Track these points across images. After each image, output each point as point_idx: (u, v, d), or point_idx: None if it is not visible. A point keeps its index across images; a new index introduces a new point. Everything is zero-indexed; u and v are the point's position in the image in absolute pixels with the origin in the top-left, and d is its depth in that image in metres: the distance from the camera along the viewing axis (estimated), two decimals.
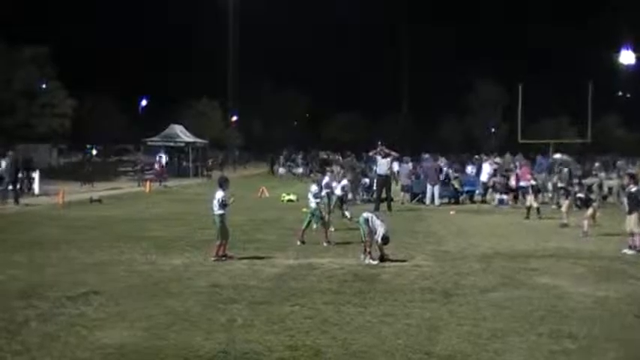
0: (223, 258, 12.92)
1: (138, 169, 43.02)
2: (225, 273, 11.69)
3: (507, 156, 33.45)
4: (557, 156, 28.08)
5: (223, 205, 13.13)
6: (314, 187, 16.01)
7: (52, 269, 11.94)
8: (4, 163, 25.91)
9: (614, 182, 28.12)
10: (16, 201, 24.68)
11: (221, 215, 13.13)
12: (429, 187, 26.45)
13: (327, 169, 19.25)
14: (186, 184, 39.25)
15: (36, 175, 30.39)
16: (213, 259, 12.83)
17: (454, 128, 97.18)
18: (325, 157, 34.97)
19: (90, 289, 10.18)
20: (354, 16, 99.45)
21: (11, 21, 45.39)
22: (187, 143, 49.56)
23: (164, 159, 44.52)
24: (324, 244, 15.05)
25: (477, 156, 38.99)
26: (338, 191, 19.92)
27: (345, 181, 20.77)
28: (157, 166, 41.96)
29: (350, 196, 27.04)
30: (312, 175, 46.15)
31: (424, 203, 26.27)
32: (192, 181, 41.78)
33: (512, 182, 26.01)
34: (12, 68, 48.85)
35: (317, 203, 15.76)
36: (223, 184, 13.56)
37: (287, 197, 27.33)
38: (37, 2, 79.13)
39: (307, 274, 11.66)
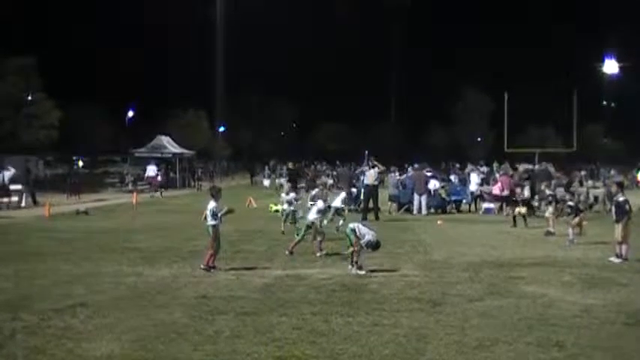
0: (212, 269, 12.83)
1: (131, 180, 43.05)
2: (212, 284, 11.67)
3: (505, 165, 33.57)
4: (524, 167, 28.10)
5: (214, 215, 13.02)
6: (320, 203, 15.86)
7: (39, 281, 11.87)
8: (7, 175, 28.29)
9: (599, 191, 28.33)
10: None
11: (213, 226, 13.05)
12: (416, 196, 26.52)
13: (318, 182, 19.36)
14: (174, 195, 39.14)
15: (19, 187, 30.19)
16: (202, 267, 12.82)
17: (441, 137, 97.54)
18: (292, 167, 34.43)
19: (77, 302, 10.13)
20: (343, 26, 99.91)
21: None
22: (175, 154, 49.46)
23: (155, 170, 44.45)
24: (318, 255, 15.02)
25: (458, 165, 39.09)
26: (338, 203, 19.84)
27: (343, 194, 20.78)
28: (148, 176, 42.27)
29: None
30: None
31: (411, 213, 26.33)
32: (180, 192, 41.66)
33: (497, 191, 26.15)
34: None
35: (318, 219, 15.61)
36: (215, 194, 13.48)
37: (275, 208, 27.28)
38: (23, 13, 78.92)
39: (295, 285, 11.65)
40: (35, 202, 29.40)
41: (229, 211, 13.47)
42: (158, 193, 38.68)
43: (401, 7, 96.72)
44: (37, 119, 51.72)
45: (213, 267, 12.95)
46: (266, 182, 40.43)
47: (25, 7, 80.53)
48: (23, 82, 50.87)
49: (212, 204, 13.17)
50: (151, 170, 43.59)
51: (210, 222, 13.04)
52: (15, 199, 28.84)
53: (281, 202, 17.40)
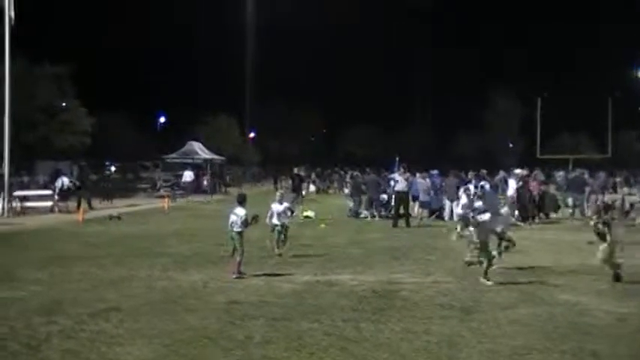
0: (243, 275, 12.86)
1: (170, 184, 43.60)
2: (243, 289, 11.69)
3: (537, 171, 33.30)
4: (518, 171, 27.65)
5: (245, 223, 13.12)
6: (283, 206, 16.10)
7: (73, 285, 11.99)
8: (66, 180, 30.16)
9: (636, 198, 27.94)
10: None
11: (240, 233, 13.12)
12: (447, 202, 26.32)
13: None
14: (205, 201, 39.34)
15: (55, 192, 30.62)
16: (234, 276, 12.74)
17: (471, 142, 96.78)
18: (297, 173, 32.49)
19: (110, 306, 10.21)
20: (372, 30, 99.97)
21: (32, 39, 45.82)
22: (205, 160, 49.73)
23: (191, 176, 45.03)
24: (278, 255, 15.60)
25: (485, 171, 38.37)
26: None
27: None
28: (185, 181, 43.71)
29: (365, 212, 27.09)
30: (329, 191, 45.93)
31: (443, 219, 26.13)
32: (211, 198, 41.85)
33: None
34: (33, 86, 49.44)
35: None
36: (243, 201, 13.48)
37: (304, 213, 27.32)
38: (58, 22, 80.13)
39: (326, 291, 11.63)
40: (91, 207, 30.16)
41: (255, 219, 13.60)
42: (188, 199, 39.07)
43: (423, 7, 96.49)
44: (70, 125, 52.43)
45: (244, 273, 12.98)
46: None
47: (57, 15, 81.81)
48: (57, 89, 51.64)
49: (242, 211, 13.22)
50: (188, 176, 44.23)
51: (238, 229, 13.10)
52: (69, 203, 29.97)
53: (269, 214, 15.91)
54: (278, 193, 16.98)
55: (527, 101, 66.14)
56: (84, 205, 29.22)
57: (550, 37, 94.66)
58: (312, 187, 40.14)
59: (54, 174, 33.91)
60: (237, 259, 13.01)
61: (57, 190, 30.26)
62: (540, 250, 17.58)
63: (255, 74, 73.24)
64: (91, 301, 10.60)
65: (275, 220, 15.86)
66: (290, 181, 31.68)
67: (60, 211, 28.36)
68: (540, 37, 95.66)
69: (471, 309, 10.31)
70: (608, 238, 12.95)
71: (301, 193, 28.48)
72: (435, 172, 29.10)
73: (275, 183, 56.69)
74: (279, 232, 15.94)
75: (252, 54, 71.99)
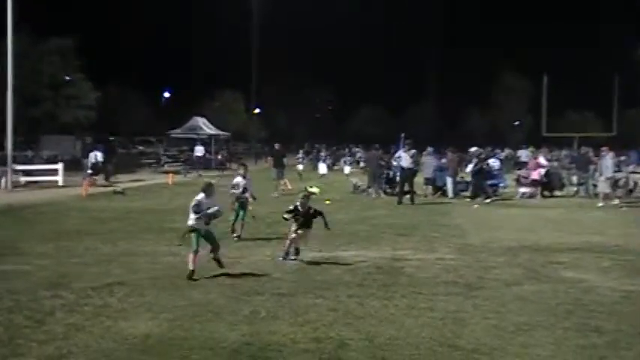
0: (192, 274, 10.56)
1: (183, 159, 43.79)
2: (248, 265, 11.71)
3: (544, 149, 33.25)
4: (474, 149, 27.53)
5: (196, 211, 10.79)
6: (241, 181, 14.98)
7: (77, 260, 12.02)
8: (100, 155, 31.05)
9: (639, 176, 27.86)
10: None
11: (191, 227, 10.89)
12: (449, 179, 26.30)
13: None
14: (209, 176, 39.30)
15: (60, 166, 30.68)
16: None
17: (479, 120, 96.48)
18: (278, 149, 31.73)
19: (114, 280, 10.24)
20: (378, 10, 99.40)
21: (36, 13, 45.68)
22: (210, 135, 49.69)
23: (202, 150, 45.20)
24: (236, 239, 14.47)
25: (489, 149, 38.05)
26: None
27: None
28: (196, 156, 44.24)
29: (369, 190, 27.02)
30: (334, 168, 45.75)
31: (447, 196, 26.10)
32: (215, 173, 41.84)
33: (537, 176, 26.08)
34: (38, 60, 49.33)
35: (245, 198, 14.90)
36: (207, 189, 11.26)
37: (310, 189, 27.23)
38: None
39: (331, 267, 11.62)
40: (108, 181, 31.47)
41: (216, 215, 11.12)
42: (199, 173, 39.32)
43: None
44: (76, 100, 52.36)
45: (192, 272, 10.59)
46: (300, 167, 39.66)
47: None
48: (62, 63, 51.51)
49: (200, 196, 11.02)
50: (199, 151, 44.43)
51: (190, 221, 10.88)
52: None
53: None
54: (241, 169, 15.58)
55: (534, 79, 65.75)
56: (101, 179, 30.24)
57: (559, 13, 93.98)
58: (322, 166, 39.78)
59: (87, 148, 35.12)
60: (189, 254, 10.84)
61: (89, 165, 30.99)
62: (545, 227, 17.55)
63: (263, 49, 72.83)
64: (95, 275, 10.62)
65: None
66: (271, 158, 31.65)
67: (90, 185, 28.20)
68: (550, 13, 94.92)
69: (476, 285, 10.31)
70: None
71: (283, 169, 28.72)
72: (430, 149, 28.92)
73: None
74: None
75: (259, 28, 71.45)
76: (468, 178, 27.17)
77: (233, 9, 79.28)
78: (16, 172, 28.38)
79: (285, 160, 29.75)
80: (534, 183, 26.35)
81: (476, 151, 27.20)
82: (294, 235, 12.15)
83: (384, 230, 16.50)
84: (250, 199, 15.13)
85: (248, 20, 71.43)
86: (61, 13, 71.09)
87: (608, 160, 23.81)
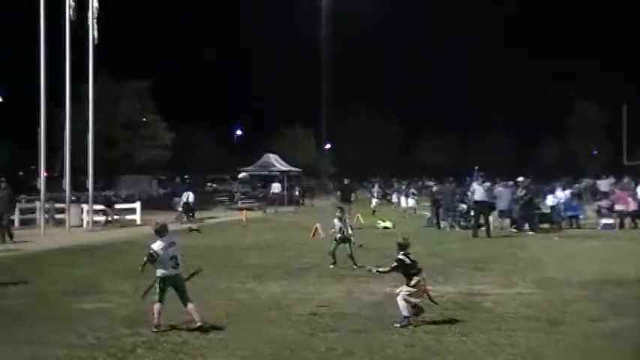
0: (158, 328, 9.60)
1: (260, 196, 44.30)
2: (323, 301, 11.66)
3: (627, 179, 32.40)
4: (521, 179, 26.75)
5: (151, 258, 9.91)
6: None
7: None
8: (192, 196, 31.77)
9: None
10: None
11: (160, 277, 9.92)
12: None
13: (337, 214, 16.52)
14: (282, 212, 39.64)
15: (137, 205, 31.41)
16: (153, 329, 9.60)
17: (553, 150, 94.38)
18: (346, 183, 31.58)
19: (192, 318, 10.31)
20: (449, 41, 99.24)
21: (113, 58, 47.36)
22: (282, 172, 50.10)
23: (279, 187, 45.66)
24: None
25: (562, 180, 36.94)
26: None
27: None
28: (273, 192, 44.69)
29: (443, 224, 26.70)
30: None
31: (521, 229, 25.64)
32: (287, 209, 42.15)
33: (622, 206, 25.48)
34: (115, 102, 50.98)
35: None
36: (160, 231, 10.37)
37: (383, 224, 27.16)
38: (136, 39, 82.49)
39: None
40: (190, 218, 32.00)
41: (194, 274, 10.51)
42: (274, 209, 39.72)
43: (507, 14, 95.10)
44: (151, 140, 53.73)
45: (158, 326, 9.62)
46: (374, 201, 38.85)
47: (137, 32, 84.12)
48: (138, 104, 53.06)
49: (157, 244, 10.08)
50: (275, 187, 44.86)
51: (158, 272, 9.91)
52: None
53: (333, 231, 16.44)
54: (338, 212, 16.75)
55: (610, 107, 64.29)
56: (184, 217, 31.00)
57: (632, 41, 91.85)
58: (374, 201, 39.04)
59: (181, 188, 36.53)
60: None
61: (181, 204, 32.03)
62: (629, 260, 16.95)
63: (332, 84, 73.44)
64: (173, 313, 10.71)
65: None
66: (338, 193, 31.65)
67: (181, 223, 29.53)
68: (624, 42, 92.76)
69: (557, 321, 10.01)
70: None
71: (350, 204, 28.72)
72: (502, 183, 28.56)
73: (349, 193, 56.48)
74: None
75: (327, 64, 72.18)
76: (547, 210, 26.70)
77: (301, 45, 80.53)
78: (95, 211, 29.14)
79: (353, 194, 29.72)
80: (621, 214, 25.74)
81: (524, 181, 26.72)
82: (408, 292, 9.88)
83: (459, 264, 16.25)
84: (351, 232, 16.32)
85: (316, 55, 72.26)
86: (136, 58, 73.40)
87: None
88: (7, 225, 21.11)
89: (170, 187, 50.64)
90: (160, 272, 9.78)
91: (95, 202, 29.85)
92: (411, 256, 10.04)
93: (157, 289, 9.75)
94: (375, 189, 42.33)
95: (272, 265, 16.49)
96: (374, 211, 34.82)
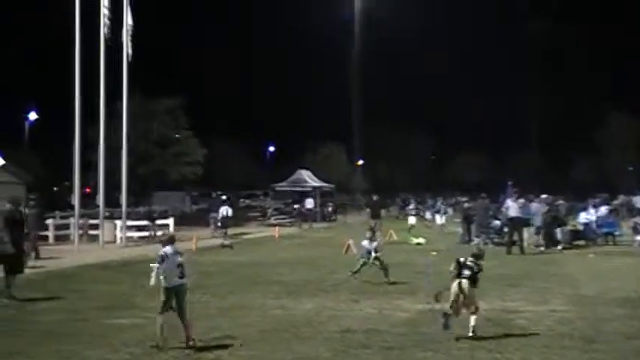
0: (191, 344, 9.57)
1: (295, 213, 44.44)
2: (356, 318, 11.63)
3: None
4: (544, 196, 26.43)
5: (160, 260, 9.75)
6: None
7: (188, 314, 12.21)
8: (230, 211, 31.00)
9: None
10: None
11: (165, 287, 9.68)
12: (558, 228, 25.66)
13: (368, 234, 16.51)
14: (315, 228, 39.67)
15: (170, 221, 31.64)
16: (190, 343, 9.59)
17: (587, 166, 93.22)
18: (375, 199, 31.76)
19: (224, 334, 10.35)
20: (478, 58, 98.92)
21: (146, 75, 48.04)
22: (314, 188, 50.20)
23: (312, 203, 45.76)
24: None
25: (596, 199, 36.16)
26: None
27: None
28: (307, 208, 44.85)
29: (476, 241, 26.47)
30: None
31: (556, 246, 25.37)
32: (320, 225, 42.18)
33: None
34: (149, 119, 51.56)
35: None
36: (166, 242, 10.13)
37: (415, 240, 27.05)
38: (169, 55, 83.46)
39: (439, 319, 11.38)
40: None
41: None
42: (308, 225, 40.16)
43: (544, 29, 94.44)
44: (184, 157, 54.15)
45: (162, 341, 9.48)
46: (412, 219, 37.43)
47: (169, 48, 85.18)
48: (171, 121, 53.57)
49: (167, 249, 9.81)
50: (309, 203, 44.97)
51: (177, 281, 9.64)
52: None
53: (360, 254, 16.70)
54: (368, 233, 16.71)
55: None
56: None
57: None
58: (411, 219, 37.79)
59: (217, 203, 36.14)
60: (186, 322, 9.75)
61: (219, 218, 31.74)
62: None
63: (364, 100, 73.57)
64: (206, 329, 10.77)
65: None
66: (368, 209, 31.54)
67: (216, 237, 30.21)
68: None
69: (592, 339, 9.87)
70: None
71: (380, 220, 28.74)
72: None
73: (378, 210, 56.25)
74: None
75: (360, 81, 72.38)
76: (580, 227, 26.45)
77: (333, 61, 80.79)
78: (129, 228, 29.41)
79: (382, 211, 29.77)
80: None
81: (547, 198, 26.47)
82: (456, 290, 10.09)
83: (492, 281, 16.06)
84: (380, 253, 16.16)
85: (348, 71, 72.44)
86: (169, 74, 74.27)
87: None
88: (34, 242, 21.30)
89: (206, 202, 50.78)
90: (164, 282, 9.53)
91: (133, 218, 30.17)
92: (471, 263, 10.22)
93: (161, 300, 9.61)
94: (412, 206, 41.42)
95: (304, 281, 16.50)
96: (411, 227, 33.84)
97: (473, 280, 9.99)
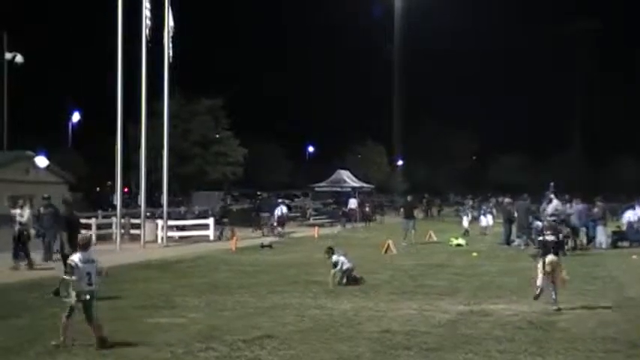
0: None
1: (340, 213, 44.55)
2: (395, 318, 11.58)
3: None
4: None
5: (70, 270, 9.58)
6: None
7: (228, 313, 12.31)
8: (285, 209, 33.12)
9: None
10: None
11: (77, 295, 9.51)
12: (599, 228, 25.33)
13: None
14: (353, 229, 39.61)
15: (210, 221, 31.84)
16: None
17: (630, 166, 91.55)
18: (409, 201, 31.73)
19: (264, 333, 10.39)
20: (521, 59, 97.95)
21: (188, 75, 48.60)
22: (354, 188, 50.16)
23: (355, 203, 45.81)
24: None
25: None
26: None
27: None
28: (350, 208, 44.94)
29: (517, 241, 26.12)
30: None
31: (595, 247, 25.04)
32: (359, 225, 42.09)
33: None
34: (190, 119, 52.10)
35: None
36: (84, 245, 9.90)
37: (455, 242, 26.85)
38: (207, 58, 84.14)
39: (479, 321, 11.31)
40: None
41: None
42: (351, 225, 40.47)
43: (591, 29, 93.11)
44: (224, 156, 54.57)
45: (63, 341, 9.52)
46: (466, 222, 36.13)
47: (210, 50, 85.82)
48: (212, 121, 54.04)
49: (76, 257, 9.62)
50: (352, 203, 45.01)
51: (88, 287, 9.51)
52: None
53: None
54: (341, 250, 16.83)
55: None
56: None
57: None
58: (465, 220, 36.49)
59: (270, 203, 38.10)
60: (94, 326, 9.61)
61: (276, 217, 33.49)
62: None
63: (404, 100, 73.22)
64: (246, 328, 10.83)
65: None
66: (401, 210, 31.34)
67: (278, 235, 32.18)
68: None
69: (637, 342, 9.68)
70: None
71: (414, 220, 28.62)
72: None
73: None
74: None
75: (399, 79, 72.08)
76: (624, 228, 26.05)
77: (374, 61, 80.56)
78: (170, 227, 29.70)
79: (415, 211, 29.86)
80: None
81: (577, 200, 26.17)
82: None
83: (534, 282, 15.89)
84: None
85: (389, 71, 72.21)
86: (211, 74, 74.94)
87: None
88: (49, 243, 21.22)
89: (256, 201, 50.99)
90: (74, 287, 9.47)
91: (175, 218, 30.47)
92: (552, 236, 12.53)
93: (68, 305, 9.53)
94: (468, 207, 40.33)
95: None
96: (466, 231, 32.54)
97: (560, 246, 12.12)
